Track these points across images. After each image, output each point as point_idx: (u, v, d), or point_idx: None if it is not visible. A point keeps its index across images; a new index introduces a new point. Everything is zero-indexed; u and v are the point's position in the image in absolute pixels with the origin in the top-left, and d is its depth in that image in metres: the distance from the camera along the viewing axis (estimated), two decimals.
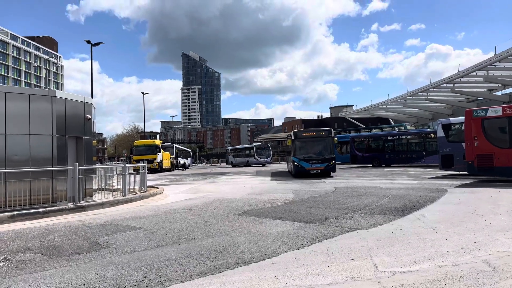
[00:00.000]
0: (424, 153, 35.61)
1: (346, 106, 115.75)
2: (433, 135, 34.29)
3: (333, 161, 24.73)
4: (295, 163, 24.70)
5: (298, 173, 24.60)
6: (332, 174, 25.65)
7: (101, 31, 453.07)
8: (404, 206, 10.73)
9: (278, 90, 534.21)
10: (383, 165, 37.82)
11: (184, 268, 5.59)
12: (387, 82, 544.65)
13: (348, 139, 43.09)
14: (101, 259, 6.22)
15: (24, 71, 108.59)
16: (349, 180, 21.18)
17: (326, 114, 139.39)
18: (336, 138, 25.92)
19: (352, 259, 5.77)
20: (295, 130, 26.75)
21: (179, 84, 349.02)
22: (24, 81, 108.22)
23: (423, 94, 55.03)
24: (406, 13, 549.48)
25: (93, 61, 31.43)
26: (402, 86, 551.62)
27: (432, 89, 52.47)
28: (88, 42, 31.01)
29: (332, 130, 25.55)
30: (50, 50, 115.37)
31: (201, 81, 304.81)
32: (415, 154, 36.23)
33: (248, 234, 7.74)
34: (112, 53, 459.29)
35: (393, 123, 66.92)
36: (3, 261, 6.31)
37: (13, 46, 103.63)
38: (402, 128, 49.60)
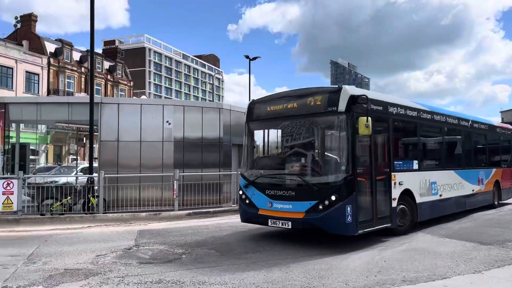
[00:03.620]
0: None
1: None
2: None
3: (343, 195, 7.08)
4: (240, 193, 8.74)
5: (245, 218, 8.65)
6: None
7: (256, 47, 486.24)
8: None
9: (436, 93, 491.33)
10: None
11: (346, 279, 5.52)
12: None
13: None
14: (266, 261, 6.61)
15: (193, 86, 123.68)
16: None
17: (497, 119, 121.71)
18: (369, 119, 7.11)
19: None
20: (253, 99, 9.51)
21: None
22: (193, 95, 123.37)
23: None
24: None
25: (248, 74, 33.96)
26: None
27: None
28: (247, 57, 33.66)
29: (348, 88, 7.51)
30: (213, 66, 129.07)
31: None
32: None
33: (411, 251, 7.24)
34: (265, 66, 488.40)
35: None
36: (184, 254, 7.24)
37: (185, 64, 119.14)
38: None
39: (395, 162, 8.45)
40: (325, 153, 7.95)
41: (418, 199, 9.02)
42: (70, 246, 7.87)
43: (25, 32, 46.40)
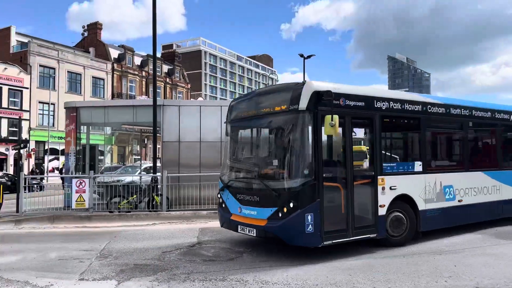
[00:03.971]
0: None
1: None
2: None
3: (303, 202, 6.47)
4: (218, 196, 8.34)
5: (221, 223, 8.13)
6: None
7: (309, 45, 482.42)
8: None
9: (504, 87, 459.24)
10: None
11: (415, 285, 5.31)
12: None
13: None
14: (329, 262, 6.52)
15: (247, 86, 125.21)
16: None
17: None
18: (335, 117, 6.33)
19: None
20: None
21: (384, 88, 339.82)
22: None
23: None
24: None
25: (302, 72, 33.70)
26: None
27: None
28: (301, 55, 33.47)
29: (314, 83, 6.87)
30: (267, 66, 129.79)
31: (408, 83, 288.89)
32: None
33: (484, 256, 6.81)
34: (319, 64, 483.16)
35: None
36: (245, 252, 7.33)
37: (239, 65, 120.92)
38: None
39: (384, 164, 7.53)
40: (288, 156, 6.95)
41: (422, 206, 7.87)
42: (138, 242, 8.27)
43: (91, 39, 49.50)
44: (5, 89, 36.44)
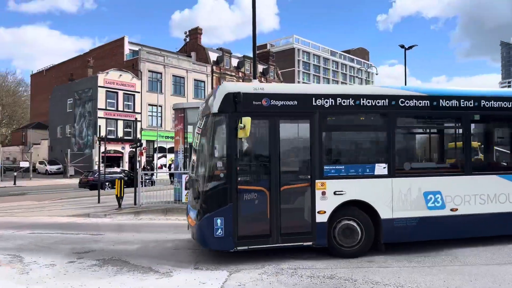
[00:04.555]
0: None
1: None
2: None
3: (212, 206, 6.47)
4: None
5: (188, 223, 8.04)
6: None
7: (408, 36, 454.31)
8: None
9: None
10: None
11: None
12: None
13: None
14: (443, 266, 6.11)
15: (341, 82, 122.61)
16: None
17: None
18: (246, 120, 6.26)
19: None
20: None
21: (496, 78, 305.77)
22: None
23: None
24: None
25: (401, 64, 31.91)
26: None
27: None
28: (402, 46, 31.73)
29: (228, 85, 6.75)
30: (362, 60, 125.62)
31: None
32: None
33: None
34: (419, 55, 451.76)
35: None
36: None
37: (332, 61, 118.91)
38: None
39: (326, 167, 6.73)
40: (206, 159, 6.81)
41: (387, 214, 6.81)
42: None
43: (192, 44, 52.81)
44: (120, 94, 40.68)
